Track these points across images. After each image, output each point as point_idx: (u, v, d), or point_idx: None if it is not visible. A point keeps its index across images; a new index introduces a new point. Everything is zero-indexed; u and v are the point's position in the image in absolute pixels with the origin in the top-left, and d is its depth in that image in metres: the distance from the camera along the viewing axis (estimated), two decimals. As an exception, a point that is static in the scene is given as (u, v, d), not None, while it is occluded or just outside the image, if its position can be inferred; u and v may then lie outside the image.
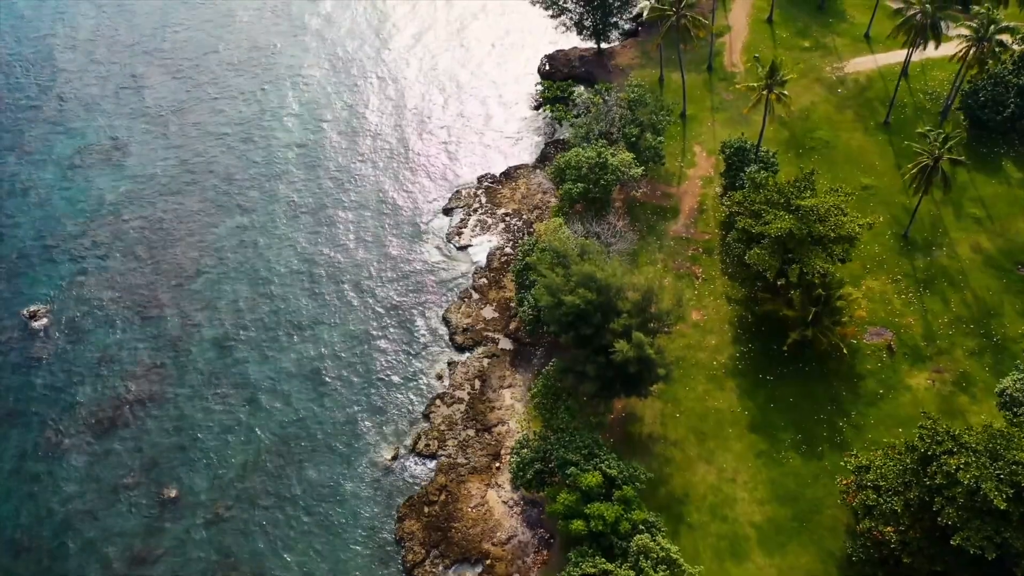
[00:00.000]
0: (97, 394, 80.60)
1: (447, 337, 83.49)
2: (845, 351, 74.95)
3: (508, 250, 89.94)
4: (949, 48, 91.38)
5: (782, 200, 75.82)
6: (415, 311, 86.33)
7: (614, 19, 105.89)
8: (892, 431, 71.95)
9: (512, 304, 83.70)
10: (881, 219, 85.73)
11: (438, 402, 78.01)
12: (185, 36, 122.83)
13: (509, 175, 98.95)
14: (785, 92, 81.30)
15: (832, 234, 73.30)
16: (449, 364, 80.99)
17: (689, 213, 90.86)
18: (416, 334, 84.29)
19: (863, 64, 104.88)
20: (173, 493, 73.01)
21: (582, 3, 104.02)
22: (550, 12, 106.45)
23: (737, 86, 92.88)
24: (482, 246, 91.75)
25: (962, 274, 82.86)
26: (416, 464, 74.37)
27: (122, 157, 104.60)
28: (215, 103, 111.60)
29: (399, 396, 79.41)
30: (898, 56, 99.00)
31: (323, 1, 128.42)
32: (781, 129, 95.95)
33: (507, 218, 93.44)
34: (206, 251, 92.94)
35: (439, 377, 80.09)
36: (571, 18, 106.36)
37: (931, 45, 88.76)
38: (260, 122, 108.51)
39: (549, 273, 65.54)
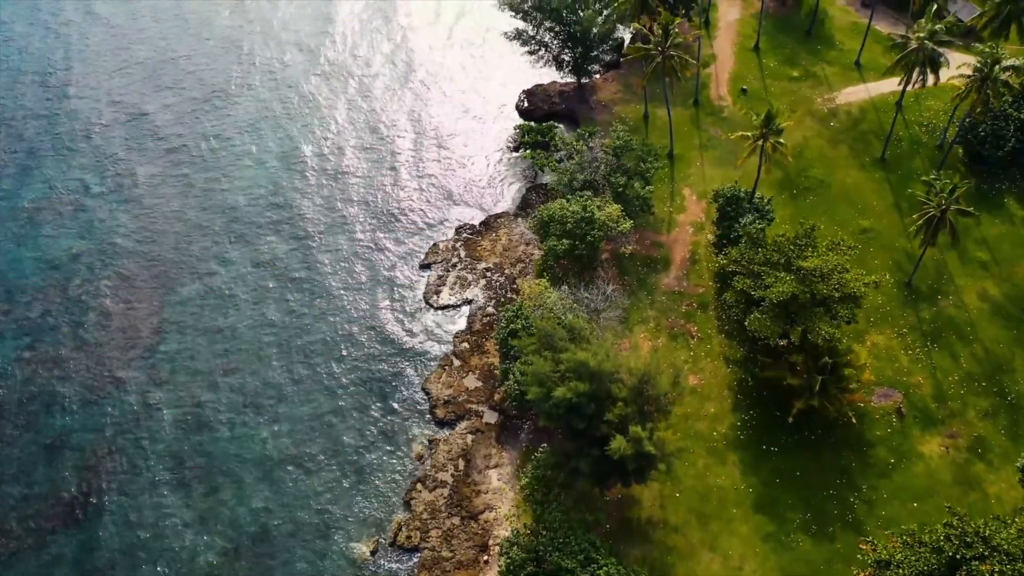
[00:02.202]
0: (47, 487, 73.75)
1: (427, 411, 77.47)
2: (853, 419, 70.27)
3: (490, 310, 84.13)
4: (948, 75, 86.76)
5: (782, 260, 70.93)
6: (392, 382, 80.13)
7: (595, 53, 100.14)
8: (907, 506, 67.42)
9: (496, 371, 78.00)
10: (887, 276, 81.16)
11: (419, 486, 72.10)
12: (140, 72, 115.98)
13: (489, 225, 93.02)
14: (781, 140, 76.25)
15: (836, 294, 68.58)
16: (430, 442, 75.06)
17: (681, 264, 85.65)
18: (394, 409, 78.14)
19: (855, 94, 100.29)
20: (131, 603, 66.77)
21: (560, 38, 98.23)
22: (527, 48, 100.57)
23: (731, 136, 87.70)
24: (462, 306, 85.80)
25: (970, 325, 78.46)
26: (397, 559, 68.30)
27: (76, 212, 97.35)
28: (175, 158, 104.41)
29: (377, 480, 73.35)
30: (891, 85, 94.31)
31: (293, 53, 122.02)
32: (774, 169, 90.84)
33: (488, 273, 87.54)
34: (166, 320, 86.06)
35: (419, 458, 74.14)
36: (550, 52, 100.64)
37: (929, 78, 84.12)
38: (221, 176, 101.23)
39: (537, 360, 59.85)
